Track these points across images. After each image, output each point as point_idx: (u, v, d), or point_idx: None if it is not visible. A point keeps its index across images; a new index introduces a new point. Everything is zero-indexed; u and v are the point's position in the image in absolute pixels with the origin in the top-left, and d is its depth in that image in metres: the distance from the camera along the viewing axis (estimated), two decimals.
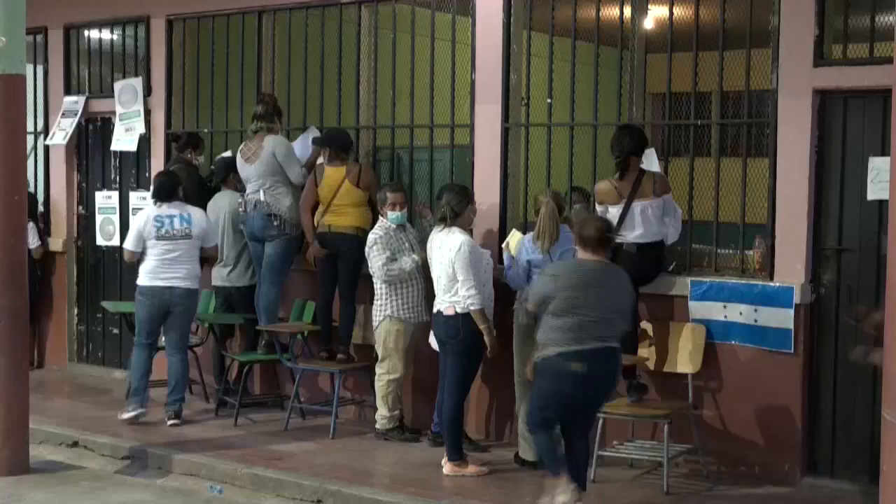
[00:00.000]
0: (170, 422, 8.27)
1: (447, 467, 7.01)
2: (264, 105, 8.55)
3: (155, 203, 8.38)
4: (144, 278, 8.30)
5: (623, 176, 6.98)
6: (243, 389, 8.56)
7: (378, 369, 7.78)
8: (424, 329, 7.66)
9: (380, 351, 7.76)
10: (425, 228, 7.85)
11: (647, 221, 6.91)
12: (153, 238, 8.24)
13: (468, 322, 6.93)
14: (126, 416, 8.36)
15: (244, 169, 8.51)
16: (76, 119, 10.35)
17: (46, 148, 10.74)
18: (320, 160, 8.36)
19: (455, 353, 7.03)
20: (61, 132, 10.42)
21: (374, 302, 7.77)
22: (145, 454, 7.65)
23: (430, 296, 7.46)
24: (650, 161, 7.17)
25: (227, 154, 9.16)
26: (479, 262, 7.04)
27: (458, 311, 6.93)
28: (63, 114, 10.44)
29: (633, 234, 6.89)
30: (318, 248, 8.21)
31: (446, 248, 7.07)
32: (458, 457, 7.00)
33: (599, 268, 6.07)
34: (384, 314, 7.68)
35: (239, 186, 8.76)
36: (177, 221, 8.26)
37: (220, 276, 8.92)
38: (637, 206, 6.91)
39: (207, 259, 8.68)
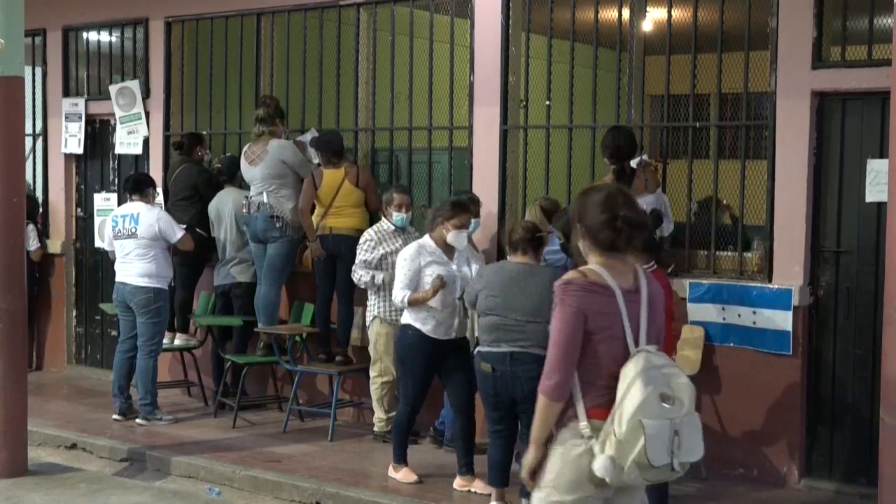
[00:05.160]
0: (136, 421, 8.52)
1: (457, 482, 6.82)
2: (266, 108, 8.59)
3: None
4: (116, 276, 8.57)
5: (620, 178, 6.98)
6: (241, 391, 8.57)
7: (371, 372, 7.78)
8: None
9: (372, 353, 7.77)
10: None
11: None
12: (112, 238, 8.49)
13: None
14: (113, 416, 8.65)
15: (248, 171, 8.54)
16: (82, 123, 10.35)
17: (45, 150, 10.74)
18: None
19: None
20: (73, 138, 10.43)
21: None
22: (144, 456, 7.65)
23: None
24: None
25: (229, 155, 9.18)
26: (409, 264, 6.79)
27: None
28: (66, 117, 10.45)
29: None
30: (319, 248, 8.21)
31: None
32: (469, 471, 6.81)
33: (522, 269, 6.09)
34: (372, 315, 7.69)
35: (243, 185, 8.80)
36: (126, 221, 8.41)
37: (220, 274, 8.93)
38: None
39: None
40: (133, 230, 8.33)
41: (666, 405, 3.71)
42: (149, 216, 8.34)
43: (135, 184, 8.58)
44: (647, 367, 3.74)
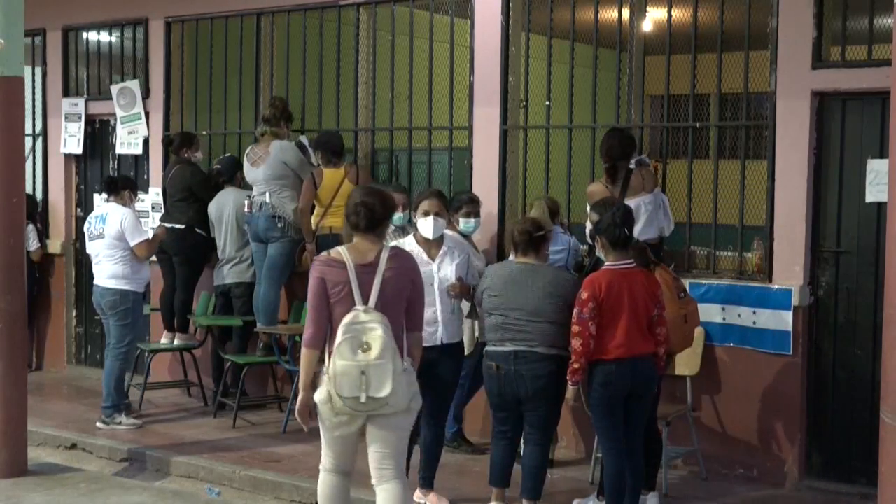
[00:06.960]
0: (97, 424, 8.34)
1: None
2: (273, 109, 8.61)
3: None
4: None
5: (614, 180, 6.96)
6: (241, 391, 8.56)
7: None
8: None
9: None
10: None
11: (640, 218, 6.91)
12: (88, 241, 8.40)
13: None
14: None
15: (250, 172, 8.55)
16: (82, 123, 10.35)
17: (45, 150, 10.75)
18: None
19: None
20: (72, 138, 10.43)
21: None
22: (143, 456, 7.66)
23: None
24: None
25: (229, 155, 9.18)
26: None
27: None
28: (66, 117, 10.45)
29: None
30: (314, 250, 8.20)
31: None
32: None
33: (523, 269, 6.06)
34: None
35: (243, 185, 8.80)
36: (96, 222, 8.32)
37: (219, 274, 8.93)
38: (630, 203, 6.90)
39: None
40: (101, 231, 8.24)
41: (359, 351, 4.87)
42: (115, 216, 8.22)
43: (107, 184, 8.49)
44: (352, 321, 4.90)
